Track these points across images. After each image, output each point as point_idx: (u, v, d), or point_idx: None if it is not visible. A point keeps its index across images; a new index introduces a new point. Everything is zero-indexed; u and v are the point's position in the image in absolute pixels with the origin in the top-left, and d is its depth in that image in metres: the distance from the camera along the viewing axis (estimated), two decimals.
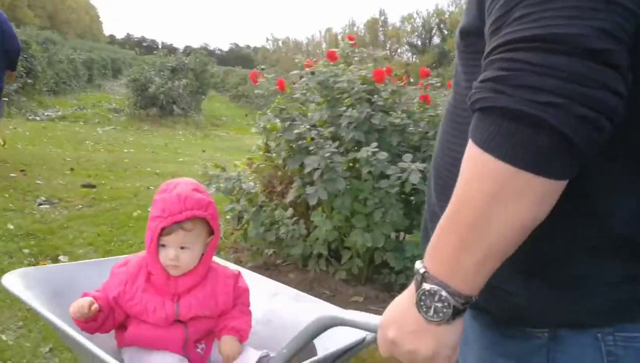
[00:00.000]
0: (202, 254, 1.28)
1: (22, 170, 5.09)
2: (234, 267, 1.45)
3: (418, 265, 0.60)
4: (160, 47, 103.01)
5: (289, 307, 1.32)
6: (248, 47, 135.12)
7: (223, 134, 12.52)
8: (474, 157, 0.54)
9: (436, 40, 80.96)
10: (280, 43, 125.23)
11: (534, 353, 0.66)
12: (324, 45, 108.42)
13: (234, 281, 1.33)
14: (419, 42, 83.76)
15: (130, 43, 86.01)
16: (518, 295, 0.65)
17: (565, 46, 0.49)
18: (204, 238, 1.27)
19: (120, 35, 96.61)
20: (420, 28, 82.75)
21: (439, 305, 0.57)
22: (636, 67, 0.52)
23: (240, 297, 1.33)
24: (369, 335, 1.03)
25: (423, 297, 0.58)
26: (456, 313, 0.57)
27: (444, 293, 0.57)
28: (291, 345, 0.89)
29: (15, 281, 1.27)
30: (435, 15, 79.87)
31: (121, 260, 1.34)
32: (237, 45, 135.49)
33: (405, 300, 0.61)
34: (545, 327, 0.65)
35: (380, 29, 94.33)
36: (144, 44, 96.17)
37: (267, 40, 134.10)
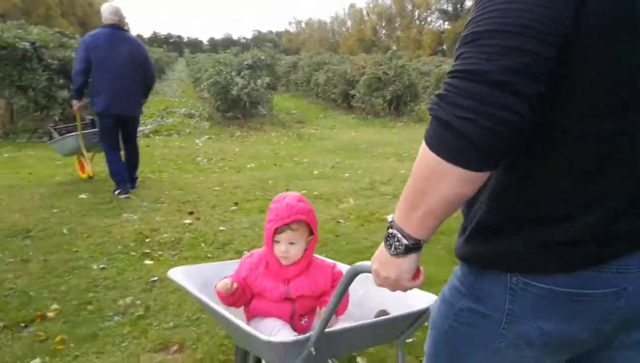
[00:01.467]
0: (305, 249, 1.67)
1: (190, 213, 4.36)
2: (330, 260, 1.85)
3: (389, 217, 0.89)
4: (186, 41, 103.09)
5: (379, 292, 1.39)
6: (271, 32, 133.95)
7: (313, 130, 11.69)
8: (422, 147, 0.80)
9: (468, 3, 77.84)
10: (303, 24, 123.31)
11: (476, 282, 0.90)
12: (349, 23, 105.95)
13: (330, 270, 1.74)
14: (450, 8, 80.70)
15: (158, 40, 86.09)
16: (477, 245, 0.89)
17: (480, 78, 0.72)
18: (305, 237, 1.66)
19: (146, 34, 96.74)
20: None
21: (397, 243, 0.86)
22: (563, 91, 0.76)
23: (336, 281, 1.69)
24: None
25: (388, 239, 0.88)
26: (408, 250, 0.86)
27: (399, 235, 0.86)
28: (334, 297, 1.25)
29: (178, 275, 1.78)
30: None
31: (247, 254, 1.77)
32: (259, 32, 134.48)
33: (382, 243, 0.91)
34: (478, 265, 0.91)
35: None
36: (171, 40, 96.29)
37: (290, 23, 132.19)
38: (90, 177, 5.50)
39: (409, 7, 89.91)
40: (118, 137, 4.91)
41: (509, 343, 0.87)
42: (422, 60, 29.30)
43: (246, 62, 12.08)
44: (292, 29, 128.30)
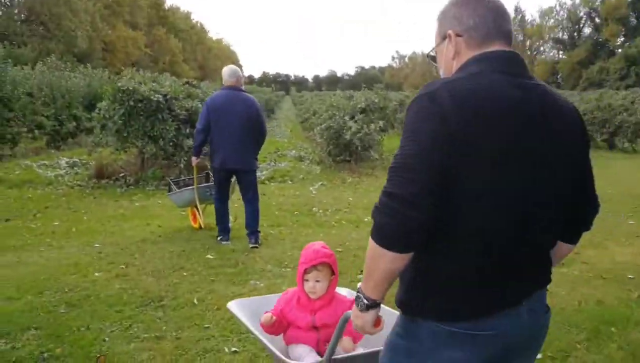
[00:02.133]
0: (328, 286, 2.08)
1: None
2: (349, 296, 2.21)
3: (359, 284, 1.25)
4: (293, 80, 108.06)
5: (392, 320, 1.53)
6: (374, 67, 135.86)
7: None
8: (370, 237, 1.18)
9: (586, 30, 72.73)
10: (406, 59, 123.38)
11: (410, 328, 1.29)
12: None
13: (349, 303, 1.96)
14: (566, 36, 75.83)
15: (267, 80, 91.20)
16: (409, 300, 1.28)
17: (393, 197, 1.11)
18: (329, 277, 2.08)
19: (257, 74, 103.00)
20: (566, 20, 74.99)
21: (361, 303, 1.23)
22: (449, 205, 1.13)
23: None
24: None
25: (356, 299, 1.25)
26: (368, 307, 1.22)
27: (362, 297, 1.22)
28: (335, 332, 1.64)
29: (234, 307, 2.20)
30: (582, 3, 71.86)
31: (285, 291, 2.25)
32: (362, 67, 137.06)
33: None
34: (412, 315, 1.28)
35: (518, 28, 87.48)
36: (279, 79, 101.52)
37: (393, 58, 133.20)
38: (200, 228, 5.93)
39: (520, 37, 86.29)
40: (228, 189, 5.34)
41: None
42: None
43: (359, 106, 11.96)
44: (395, 64, 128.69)
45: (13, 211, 6.86)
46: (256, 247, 5.10)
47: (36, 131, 13.19)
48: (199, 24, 75.43)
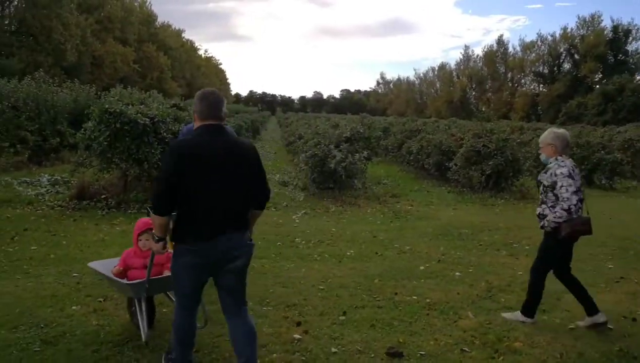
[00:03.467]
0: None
1: (298, 323, 4.08)
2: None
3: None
4: (279, 100, 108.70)
5: None
6: (359, 91, 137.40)
7: (409, 206, 11.24)
8: None
9: (566, 65, 74.78)
10: (391, 85, 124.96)
11: None
12: (437, 84, 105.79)
13: (166, 254, 3.31)
14: (546, 70, 77.81)
15: (254, 100, 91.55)
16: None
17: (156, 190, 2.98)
18: (151, 236, 3.12)
19: (244, 92, 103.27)
20: (546, 55, 77.07)
21: (155, 238, 2.97)
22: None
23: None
24: None
25: (152, 236, 3.03)
26: (158, 240, 2.95)
27: (154, 235, 2.97)
28: (148, 267, 3.45)
29: (95, 265, 3.87)
30: (562, 40, 74.04)
31: (125, 251, 3.84)
32: (348, 91, 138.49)
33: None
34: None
35: (500, 60, 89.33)
36: (266, 99, 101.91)
37: (378, 83, 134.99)
38: None
39: (502, 69, 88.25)
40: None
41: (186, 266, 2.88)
42: (514, 125, 28.06)
43: (344, 135, 12.07)
44: (380, 89, 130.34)
45: None
46: None
47: (18, 146, 12.99)
48: (189, 42, 75.74)
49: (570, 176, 4.00)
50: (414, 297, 4.95)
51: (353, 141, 12.12)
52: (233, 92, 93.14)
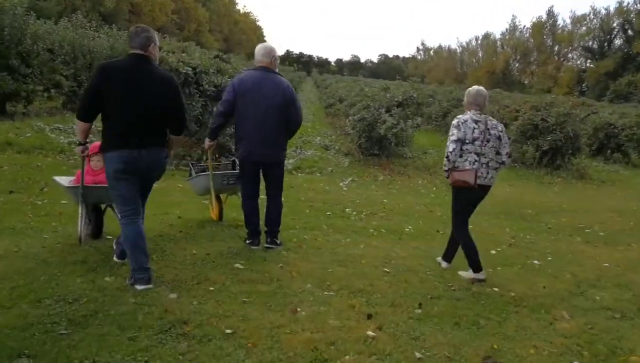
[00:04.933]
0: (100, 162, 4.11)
1: (369, 316, 3.39)
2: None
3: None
4: (315, 60, 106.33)
5: None
6: (397, 57, 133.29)
7: None
8: None
9: (617, 41, 70.21)
10: (432, 52, 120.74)
11: None
12: (480, 53, 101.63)
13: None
14: (596, 45, 73.34)
15: (290, 59, 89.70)
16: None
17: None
18: (102, 157, 3.58)
19: (280, 51, 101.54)
20: (598, 29, 72.40)
21: (76, 143, 3.81)
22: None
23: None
24: None
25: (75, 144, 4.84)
26: (78, 144, 3.65)
27: (76, 140, 4.93)
28: (81, 170, 4.14)
29: (58, 179, 4.53)
30: (617, 14, 69.25)
31: (78, 171, 4.21)
32: (386, 56, 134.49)
33: None
34: None
35: (549, 32, 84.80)
36: (302, 59, 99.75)
37: (418, 50, 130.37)
38: (221, 219, 5.39)
39: (549, 41, 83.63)
40: (258, 185, 4.64)
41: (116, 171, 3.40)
42: (575, 100, 26.30)
43: (396, 99, 11.14)
44: (420, 56, 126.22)
45: (19, 182, 6.22)
46: (271, 248, 4.56)
47: (52, 90, 12.52)
48: None
49: (457, 126, 4.14)
50: (495, 289, 4.20)
51: (405, 106, 11.17)
52: None
